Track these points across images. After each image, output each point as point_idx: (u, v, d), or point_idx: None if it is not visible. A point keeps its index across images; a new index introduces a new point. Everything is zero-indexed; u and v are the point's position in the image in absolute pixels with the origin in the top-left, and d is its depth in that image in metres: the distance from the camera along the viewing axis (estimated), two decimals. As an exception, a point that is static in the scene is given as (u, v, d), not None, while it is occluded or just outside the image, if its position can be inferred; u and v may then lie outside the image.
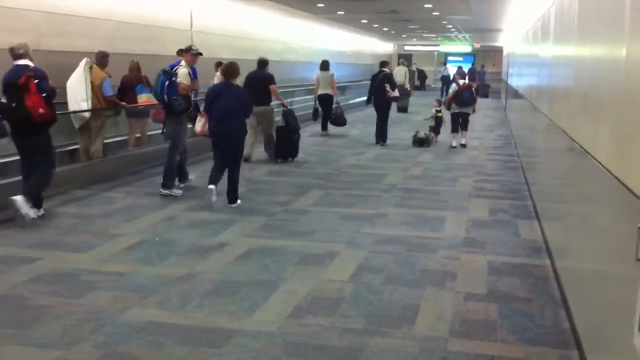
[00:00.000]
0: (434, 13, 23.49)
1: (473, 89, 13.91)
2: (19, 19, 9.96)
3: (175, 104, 8.16)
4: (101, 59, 9.68)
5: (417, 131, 14.18)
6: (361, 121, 17.79)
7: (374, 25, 30.48)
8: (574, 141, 4.76)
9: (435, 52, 46.20)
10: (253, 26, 19.43)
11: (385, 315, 4.50)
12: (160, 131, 8.86)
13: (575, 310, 4.37)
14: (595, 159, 3.82)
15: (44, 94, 6.78)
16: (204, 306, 4.62)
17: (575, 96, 5.10)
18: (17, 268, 5.41)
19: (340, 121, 15.35)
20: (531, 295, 4.97)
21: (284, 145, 11.52)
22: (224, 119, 7.70)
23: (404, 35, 39.76)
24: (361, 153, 12.67)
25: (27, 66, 6.89)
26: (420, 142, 13.82)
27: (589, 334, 3.86)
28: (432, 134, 14.39)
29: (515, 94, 16.88)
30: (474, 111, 14.36)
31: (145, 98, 10.34)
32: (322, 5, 20.19)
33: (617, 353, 3.10)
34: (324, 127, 15.69)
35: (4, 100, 6.82)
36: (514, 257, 5.94)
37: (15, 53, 6.95)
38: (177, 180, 8.68)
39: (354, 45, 33.81)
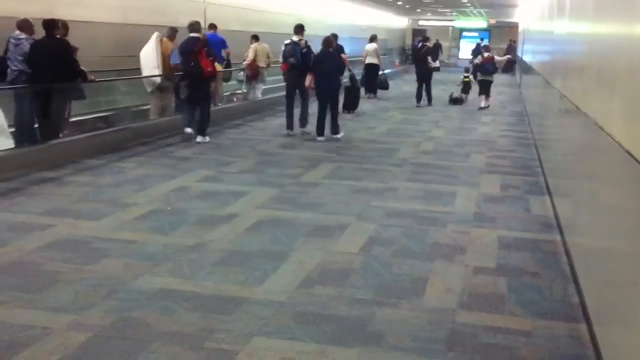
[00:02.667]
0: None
1: (494, 61, 16.96)
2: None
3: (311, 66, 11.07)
4: (172, 33, 11.09)
5: (452, 92, 17.66)
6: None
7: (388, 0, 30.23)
8: (587, 117, 4.73)
9: (450, 28, 45.74)
10: (265, -1, 19.31)
11: (394, 287, 4.53)
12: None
13: (584, 285, 4.37)
14: (608, 135, 3.79)
15: (210, 58, 9.95)
16: (214, 275, 4.66)
17: (589, 72, 5.06)
18: (30, 235, 5.46)
19: (385, 85, 18.65)
20: (540, 269, 4.97)
21: (349, 100, 14.75)
22: (326, 76, 10.79)
23: (418, 10, 39.44)
24: (373, 127, 12.64)
25: (198, 38, 9.94)
26: (455, 101, 17.38)
27: (597, 309, 3.86)
28: (463, 95, 17.82)
29: (530, 70, 16.76)
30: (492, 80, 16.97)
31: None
32: (336, -22, 20.03)
33: (625, 328, 3.11)
34: (373, 91, 18.27)
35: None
36: (525, 232, 5.94)
37: (192, 28, 10.01)
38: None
39: (368, 20, 33.55)
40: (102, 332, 3.72)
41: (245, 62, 14.03)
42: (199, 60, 9.72)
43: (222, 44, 13.26)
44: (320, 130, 10.90)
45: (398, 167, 8.80)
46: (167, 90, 11.17)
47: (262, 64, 14.35)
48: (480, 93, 16.63)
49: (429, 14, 43.15)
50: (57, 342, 3.60)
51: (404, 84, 21.44)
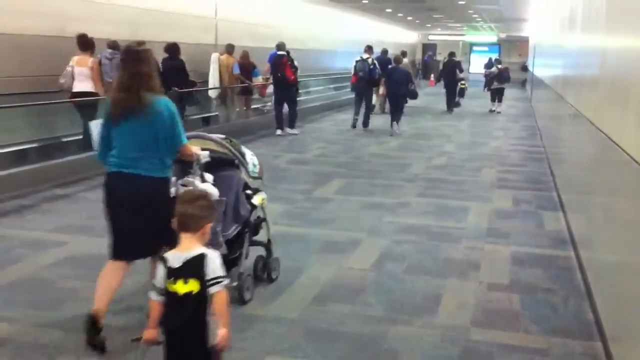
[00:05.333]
0: (459, 2, 23.29)
1: (507, 72, 20.40)
2: (44, 5, 10.06)
3: (377, 79, 14.78)
4: (230, 49, 13.41)
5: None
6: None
7: (399, 15, 30.29)
8: (601, 131, 4.70)
9: (460, 42, 45.77)
10: (276, 14, 19.40)
11: (407, 304, 4.50)
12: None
13: (599, 301, 4.33)
14: (622, 149, 3.77)
15: (293, 69, 13.03)
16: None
17: (602, 86, 5.04)
18: (43, 251, 5.48)
19: (414, 95, 19.21)
20: (555, 286, 4.93)
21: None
22: (396, 85, 14.28)
23: (428, 25, 39.51)
24: (385, 142, 12.64)
25: (284, 54, 13.10)
26: (456, 105, 20.04)
27: (613, 326, 3.82)
28: (459, 98, 20.72)
29: (541, 84, 16.73)
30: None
31: (260, 80, 14.18)
32: (346, -7, 20.12)
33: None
34: None
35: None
36: (538, 248, 5.89)
37: (278, 48, 13.23)
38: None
39: (378, 35, 33.63)
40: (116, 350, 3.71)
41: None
42: (284, 72, 12.87)
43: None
44: (395, 121, 14.10)
45: (410, 182, 8.78)
46: (223, 100, 13.42)
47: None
48: (493, 99, 19.89)
49: (439, 29, 43.22)
50: (70, 360, 3.60)
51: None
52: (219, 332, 2.80)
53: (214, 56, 13.14)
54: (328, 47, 23.88)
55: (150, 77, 3.87)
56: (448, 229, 6.43)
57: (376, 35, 32.89)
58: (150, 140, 3.82)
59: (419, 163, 10.29)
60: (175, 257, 2.86)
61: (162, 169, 3.90)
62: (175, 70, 10.99)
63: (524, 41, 39.14)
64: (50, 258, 5.31)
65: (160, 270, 2.87)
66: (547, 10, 16.38)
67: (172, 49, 11.28)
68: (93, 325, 3.70)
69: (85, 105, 9.23)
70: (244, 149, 4.67)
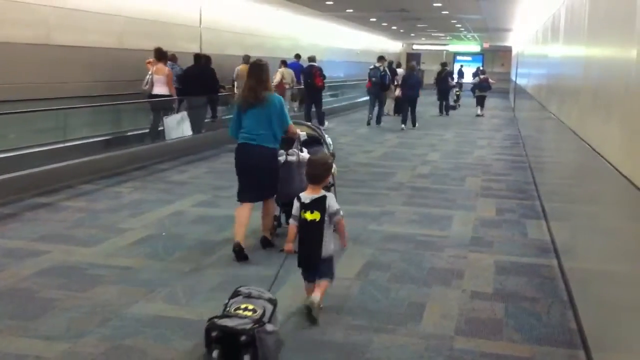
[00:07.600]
0: (443, 12, 23.43)
1: (488, 81, 23.08)
2: (29, 13, 10.01)
3: (389, 84, 17.90)
4: (247, 59, 13.99)
5: (448, 102, 22.96)
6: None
7: (383, 24, 30.41)
8: (583, 140, 4.74)
9: (444, 52, 46.05)
10: (261, 23, 19.43)
11: (391, 313, 4.50)
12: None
13: (582, 310, 4.35)
14: (604, 159, 3.80)
15: (322, 77, 15.72)
16: (210, 301, 4.62)
17: (585, 96, 5.08)
18: (25, 261, 5.43)
19: None
20: (538, 294, 4.95)
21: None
22: (411, 88, 17.10)
23: (412, 35, 39.68)
24: (370, 151, 12.67)
25: (313, 65, 15.87)
26: (452, 108, 23.17)
27: (596, 334, 3.84)
28: (456, 104, 24.85)
29: (524, 93, 16.86)
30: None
31: None
32: (331, 3, 20.15)
33: (624, 353, 3.08)
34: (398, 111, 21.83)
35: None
36: (521, 257, 5.92)
37: (310, 59, 16.24)
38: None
39: (363, 44, 33.75)
40: (96, 361, 3.68)
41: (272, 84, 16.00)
42: (314, 79, 15.56)
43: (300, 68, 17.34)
44: (404, 121, 17.02)
45: (395, 190, 8.80)
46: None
47: (287, 85, 16.59)
48: (477, 104, 22.40)
49: (423, 38, 43.43)
50: (51, 370, 3.56)
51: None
52: (343, 242, 4.59)
53: (237, 69, 14.68)
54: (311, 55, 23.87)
55: (266, 81, 5.80)
56: (432, 238, 6.44)
57: (361, 45, 33.01)
58: (267, 122, 5.65)
59: (403, 172, 10.32)
60: (307, 197, 4.35)
61: (274, 142, 5.73)
62: (209, 77, 13.02)
63: (507, 51, 39.46)
64: (32, 268, 5.26)
65: (297, 204, 4.35)
66: (530, 20, 16.53)
67: (198, 55, 13.13)
68: (239, 251, 5.52)
69: (162, 105, 11.67)
70: (324, 132, 6.54)
